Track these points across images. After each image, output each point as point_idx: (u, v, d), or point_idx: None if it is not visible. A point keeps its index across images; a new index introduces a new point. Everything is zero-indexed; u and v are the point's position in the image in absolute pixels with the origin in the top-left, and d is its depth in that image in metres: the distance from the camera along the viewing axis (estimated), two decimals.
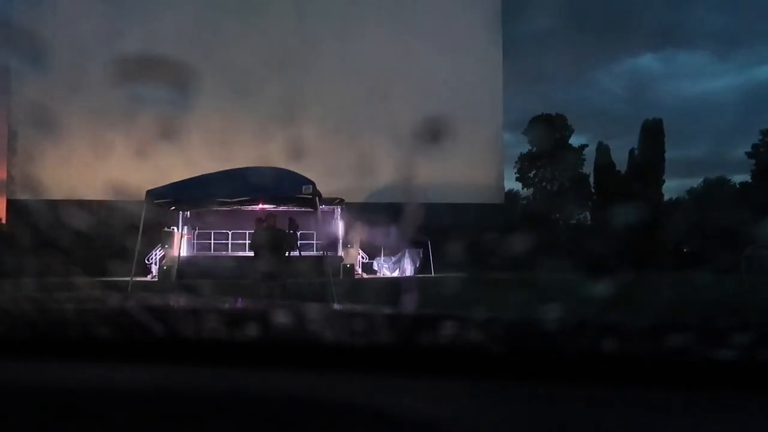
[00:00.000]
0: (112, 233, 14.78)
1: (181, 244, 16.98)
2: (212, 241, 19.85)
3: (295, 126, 20.90)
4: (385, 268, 19.26)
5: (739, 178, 37.90)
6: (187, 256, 17.62)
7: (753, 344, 0.71)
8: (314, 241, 16.89)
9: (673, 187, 53.97)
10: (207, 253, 19.11)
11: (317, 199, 9.75)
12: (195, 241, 19.47)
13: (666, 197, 33.47)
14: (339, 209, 19.30)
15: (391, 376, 0.73)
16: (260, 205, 11.23)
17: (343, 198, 18.49)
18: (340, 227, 19.22)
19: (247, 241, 14.57)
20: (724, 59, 59.36)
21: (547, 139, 36.52)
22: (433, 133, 22.41)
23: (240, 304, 1.34)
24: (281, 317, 0.81)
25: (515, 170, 39.17)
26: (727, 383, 0.68)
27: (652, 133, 32.39)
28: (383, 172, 23.13)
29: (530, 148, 38.68)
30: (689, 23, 62.56)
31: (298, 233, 9.69)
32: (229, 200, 10.66)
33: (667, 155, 32.80)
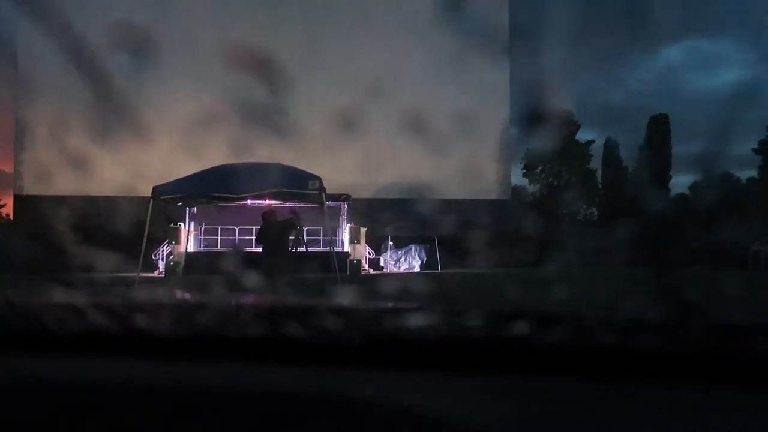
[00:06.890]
0: (118, 229, 14.84)
1: (188, 240, 17.03)
2: (219, 237, 19.88)
3: (301, 122, 20.92)
4: (391, 264, 19.26)
5: (746, 174, 37.60)
6: (193, 252, 17.67)
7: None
8: (321, 237, 16.90)
9: (681, 182, 53.65)
10: (214, 249, 19.15)
11: (323, 194, 9.77)
12: (202, 237, 19.52)
13: (673, 193, 33.40)
14: (345, 205, 19.28)
15: (399, 371, 0.72)
16: (266, 201, 11.26)
17: (349, 194, 18.49)
18: (346, 223, 19.22)
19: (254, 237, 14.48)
20: (739, 51, 58.59)
21: (554, 135, 36.39)
22: (439, 129, 22.37)
23: (247, 299, 1.34)
24: (289, 313, 0.80)
25: (522, 166, 38.99)
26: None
27: (659, 129, 32.26)
28: (390, 168, 23.13)
29: (537, 143, 38.52)
30: (696, 15, 62.06)
31: (304, 228, 9.69)
32: (235, 196, 10.70)
33: (675, 150, 32.67)
